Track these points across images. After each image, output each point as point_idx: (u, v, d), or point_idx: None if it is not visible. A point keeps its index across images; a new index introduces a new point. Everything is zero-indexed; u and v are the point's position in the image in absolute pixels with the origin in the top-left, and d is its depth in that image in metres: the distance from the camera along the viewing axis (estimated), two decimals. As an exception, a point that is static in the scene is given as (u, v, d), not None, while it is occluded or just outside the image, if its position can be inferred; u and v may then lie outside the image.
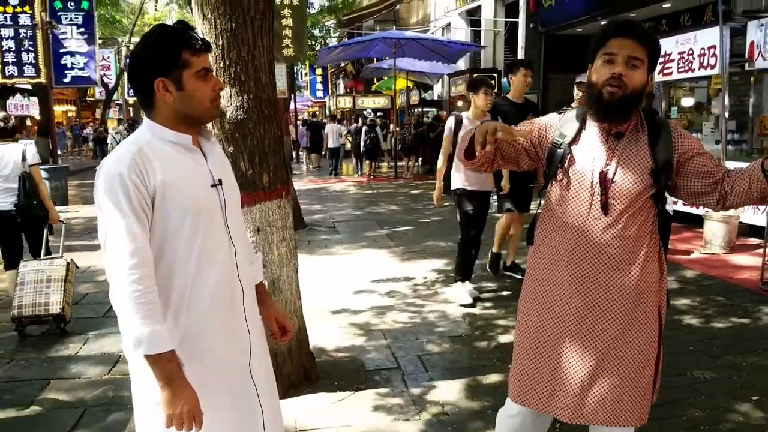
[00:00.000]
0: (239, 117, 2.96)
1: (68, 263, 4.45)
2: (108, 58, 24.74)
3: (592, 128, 1.87)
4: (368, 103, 24.01)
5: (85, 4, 14.87)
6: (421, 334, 4.22)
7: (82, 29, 14.04)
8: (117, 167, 1.52)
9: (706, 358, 3.69)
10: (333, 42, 27.48)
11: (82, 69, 15.69)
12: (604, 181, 1.79)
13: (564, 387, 1.85)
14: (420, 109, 19.81)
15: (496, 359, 3.76)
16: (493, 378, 3.49)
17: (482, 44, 15.71)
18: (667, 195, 1.90)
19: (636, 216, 1.81)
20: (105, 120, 23.25)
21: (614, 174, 1.80)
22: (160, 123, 1.61)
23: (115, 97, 26.44)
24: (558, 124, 1.93)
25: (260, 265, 1.93)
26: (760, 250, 5.61)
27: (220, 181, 1.67)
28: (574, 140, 1.87)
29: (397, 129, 16.06)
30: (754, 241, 6.56)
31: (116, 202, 1.49)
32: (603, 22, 12.27)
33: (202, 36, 1.69)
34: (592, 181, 1.81)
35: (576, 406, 1.84)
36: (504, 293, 5.12)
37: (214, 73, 1.67)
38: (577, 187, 1.84)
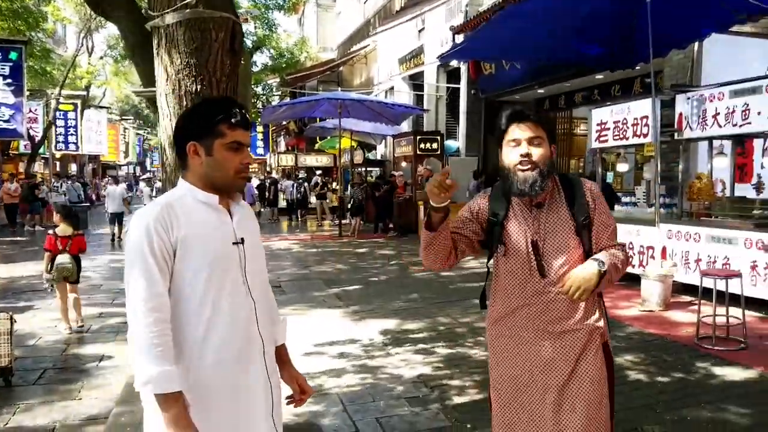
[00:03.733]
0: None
1: (10, 316, 4.34)
2: (35, 110, 23.86)
3: (516, 203, 2.11)
4: (311, 161, 24.21)
5: (13, 55, 14.44)
6: (378, 396, 4.16)
7: (9, 80, 13.62)
8: (146, 218, 1.68)
9: (654, 412, 3.80)
10: (275, 100, 27.80)
11: (7, 121, 15.11)
12: (537, 249, 2.04)
13: (540, 428, 2.06)
14: (364, 169, 20.11)
15: (455, 420, 3.75)
16: (453, 439, 3.48)
17: (425, 107, 16.28)
18: None
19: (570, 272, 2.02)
20: (30, 174, 22.22)
21: (544, 240, 2.05)
22: (191, 183, 1.78)
23: (41, 150, 25.46)
24: (488, 205, 2.16)
25: (284, 328, 2.04)
26: (695, 307, 5.91)
27: (242, 239, 1.80)
28: (506, 216, 2.11)
29: (339, 188, 16.18)
30: (687, 298, 6.90)
31: (141, 249, 1.64)
32: (540, 90, 13.06)
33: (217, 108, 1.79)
34: (527, 250, 2.06)
35: None
36: (455, 352, 5.13)
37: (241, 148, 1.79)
38: (515, 257, 2.08)
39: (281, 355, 2.01)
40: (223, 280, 1.74)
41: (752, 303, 5.81)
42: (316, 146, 23.47)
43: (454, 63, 13.89)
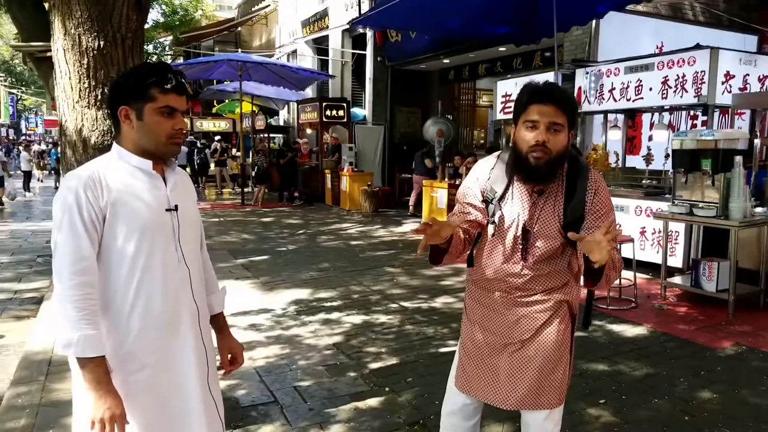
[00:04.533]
0: (106, 142, 2.69)
1: None
2: None
3: (517, 186, 2.05)
4: (208, 125, 23.14)
5: None
6: (294, 365, 4.10)
7: None
8: (75, 180, 1.65)
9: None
10: (168, 60, 26.17)
11: None
12: (526, 234, 2.03)
13: (499, 381, 2.14)
14: (266, 135, 19.51)
15: (373, 384, 3.78)
16: (372, 403, 3.51)
17: (330, 73, 15.99)
18: None
19: (551, 260, 2.07)
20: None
21: (534, 228, 2.03)
22: (124, 148, 1.75)
23: None
24: (488, 182, 2.09)
25: (222, 297, 2.07)
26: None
27: (176, 206, 1.78)
28: (503, 197, 2.06)
29: (241, 154, 15.62)
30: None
31: (69, 212, 1.62)
32: (445, 60, 13.21)
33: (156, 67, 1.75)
34: (516, 234, 2.04)
35: (508, 396, 2.13)
36: (369, 319, 5.16)
37: (171, 112, 1.75)
38: (504, 237, 2.07)
39: (218, 323, 2.04)
40: (154, 247, 1.72)
41: (641, 266, 6.30)
42: (214, 110, 22.43)
43: (360, 29, 13.70)
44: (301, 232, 10.17)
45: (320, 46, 17.51)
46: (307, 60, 18.17)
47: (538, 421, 2.18)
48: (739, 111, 6.68)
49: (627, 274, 5.81)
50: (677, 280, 5.89)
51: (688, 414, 3.38)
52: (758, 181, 5.95)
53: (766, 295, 5.44)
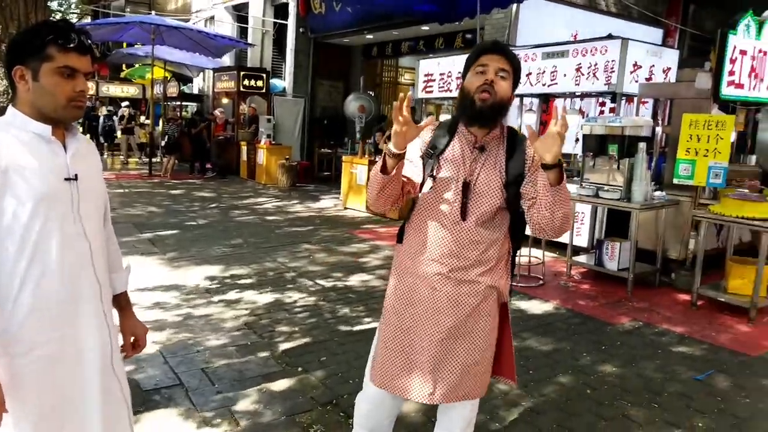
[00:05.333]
0: (2, 104, 2.42)
1: None
2: None
3: (459, 140, 2.05)
4: (115, 90, 21.77)
5: None
6: (202, 346, 3.93)
7: None
8: None
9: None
10: (73, 19, 24.31)
11: None
12: (466, 190, 1.99)
13: (422, 373, 2.05)
14: (179, 103, 18.60)
15: (285, 364, 3.69)
16: (283, 384, 3.42)
17: (250, 41, 15.41)
18: None
19: (490, 222, 2.02)
20: None
21: (475, 183, 1.99)
22: (21, 111, 1.61)
23: None
24: (430, 140, 2.07)
25: (127, 276, 1.98)
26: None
27: (75, 175, 1.65)
28: (443, 152, 2.03)
29: (150, 122, 14.83)
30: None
31: None
32: (369, 36, 13.05)
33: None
34: (456, 189, 1.99)
35: (433, 390, 2.05)
36: (283, 297, 5.05)
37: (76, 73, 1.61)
38: (442, 193, 2.01)
39: (121, 303, 1.95)
40: (49, 219, 1.59)
41: (550, 245, 6.54)
42: (122, 74, 21.09)
43: (281, -2, 13.26)
44: (213, 205, 9.81)
45: (240, 13, 16.82)
46: (226, 27, 17.41)
47: (460, 409, 2.19)
48: (643, 99, 7.03)
49: (536, 253, 6.02)
50: (582, 258, 6.17)
51: (590, 387, 3.54)
52: (658, 166, 6.31)
53: (662, 273, 5.80)
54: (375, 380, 2.16)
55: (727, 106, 5.84)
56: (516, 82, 2.01)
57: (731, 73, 5.14)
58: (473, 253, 2.01)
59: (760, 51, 5.32)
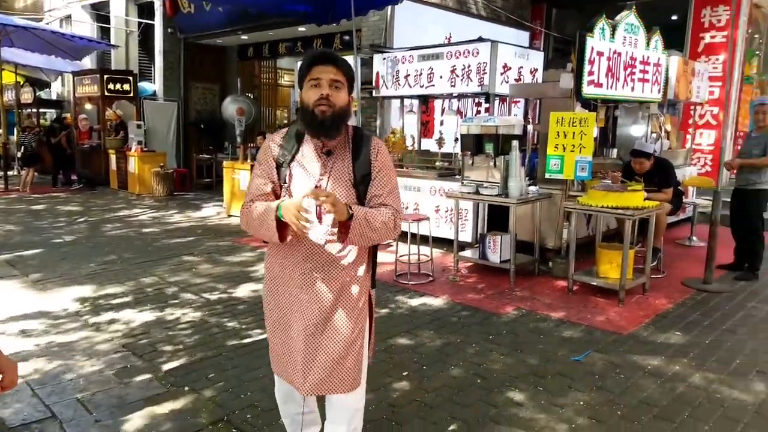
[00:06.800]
0: None
1: None
2: None
3: (307, 147, 2.15)
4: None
5: None
6: (76, 373, 3.59)
7: None
8: None
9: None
10: None
11: None
12: None
13: (295, 366, 2.18)
14: (35, 110, 16.97)
15: (170, 385, 3.46)
16: (170, 406, 3.22)
17: (113, 43, 14.40)
18: None
19: (347, 222, 2.03)
20: None
21: (327, 186, 2.10)
22: None
23: None
24: (279, 149, 2.17)
25: None
26: (393, 248, 6.57)
27: None
28: (293, 158, 2.14)
29: (2, 132, 13.40)
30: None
31: None
32: (243, 37, 12.68)
33: None
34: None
35: (304, 381, 2.15)
36: (164, 314, 4.75)
37: None
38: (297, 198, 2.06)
39: None
40: None
41: (437, 241, 6.71)
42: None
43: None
44: (81, 220, 9.04)
45: (100, 13, 15.66)
46: (85, 27, 16.13)
47: (339, 398, 2.27)
48: (514, 99, 7.43)
49: (425, 250, 6.15)
50: (468, 253, 6.39)
51: (480, 377, 3.65)
52: (531, 162, 6.68)
53: (540, 263, 6.16)
54: (273, 367, 2.33)
55: (589, 104, 6.32)
56: (351, 88, 2.12)
57: (590, 73, 5.55)
58: (333, 250, 2.12)
59: (614, 52, 5.80)
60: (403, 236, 6.02)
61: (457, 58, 6.96)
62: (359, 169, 2.13)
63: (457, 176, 6.79)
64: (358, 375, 2.22)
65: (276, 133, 2.26)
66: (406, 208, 7.36)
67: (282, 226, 2.04)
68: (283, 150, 2.15)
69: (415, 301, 5.18)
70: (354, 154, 2.14)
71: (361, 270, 2.21)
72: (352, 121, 8.19)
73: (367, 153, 2.15)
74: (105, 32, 15.68)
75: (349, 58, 7.76)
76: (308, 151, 2.14)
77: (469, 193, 6.02)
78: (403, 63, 7.45)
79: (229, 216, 9.54)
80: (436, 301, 5.20)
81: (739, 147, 6.73)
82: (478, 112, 7.90)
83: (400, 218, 2.16)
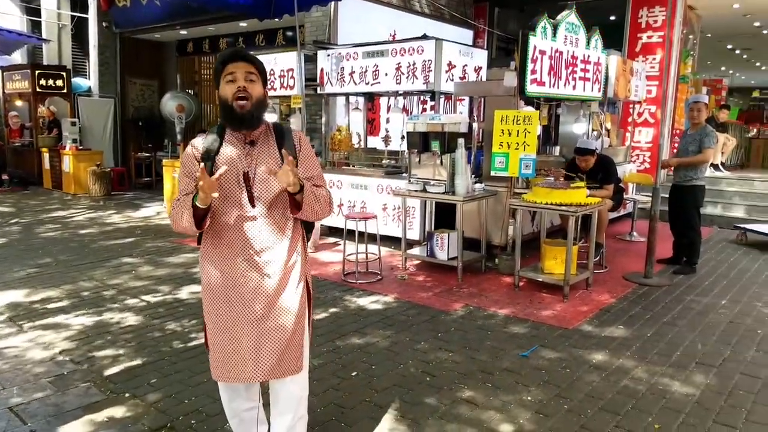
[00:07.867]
0: None
1: None
2: None
3: (229, 140, 2.25)
4: None
5: None
6: (8, 382, 3.41)
7: None
8: None
9: (311, 347, 4.04)
10: None
11: None
12: (248, 181, 2.20)
13: (243, 358, 2.23)
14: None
15: (110, 392, 3.33)
16: (110, 413, 3.10)
17: (44, 37, 13.72)
18: None
19: (278, 206, 2.24)
20: None
21: (254, 174, 2.21)
22: None
23: None
24: (203, 147, 2.24)
25: None
26: (340, 247, 6.52)
27: None
28: (217, 153, 2.22)
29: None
30: (332, 239, 7.59)
31: None
32: (182, 31, 12.32)
33: None
34: (239, 182, 2.20)
35: (256, 370, 2.22)
36: (104, 319, 4.55)
37: None
38: (228, 190, 2.20)
39: None
40: None
41: (384, 240, 6.70)
42: None
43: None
44: (12, 221, 8.58)
45: (30, 5, 14.88)
46: (13, 20, 15.28)
47: (285, 386, 2.34)
48: (459, 97, 7.50)
49: (372, 249, 6.13)
50: (416, 251, 6.41)
51: (429, 374, 3.66)
52: (477, 160, 6.76)
53: (487, 259, 6.24)
54: (215, 375, 2.33)
55: (533, 102, 6.45)
56: (264, 82, 2.25)
57: (533, 71, 5.66)
58: (269, 237, 2.23)
59: (556, 51, 5.94)
60: (350, 235, 5.98)
61: (402, 55, 6.97)
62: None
63: (404, 174, 6.80)
64: (303, 357, 2.33)
65: (196, 137, 2.34)
66: (353, 206, 7.32)
67: (200, 215, 2.12)
68: (205, 147, 2.23)
69: (363, 300, 5.15)
70: (278, 142, 2.28)
71: (297, 253, 2.32)
72: (298, 119, 8.06)
73: (290, 140, 2.30)
74: (36, 26, 14.91)
75: (292, 54, 7.72)
76: (231, 144, 2.23)
77: (416, 191, 6.04)
78: (348, 60, 7.40)
79: (170, 215, 9.25)
80: (385, 300, 5.19)
81: (676, 144, 7.01)
82: (424, 110, 7.94)
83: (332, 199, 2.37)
